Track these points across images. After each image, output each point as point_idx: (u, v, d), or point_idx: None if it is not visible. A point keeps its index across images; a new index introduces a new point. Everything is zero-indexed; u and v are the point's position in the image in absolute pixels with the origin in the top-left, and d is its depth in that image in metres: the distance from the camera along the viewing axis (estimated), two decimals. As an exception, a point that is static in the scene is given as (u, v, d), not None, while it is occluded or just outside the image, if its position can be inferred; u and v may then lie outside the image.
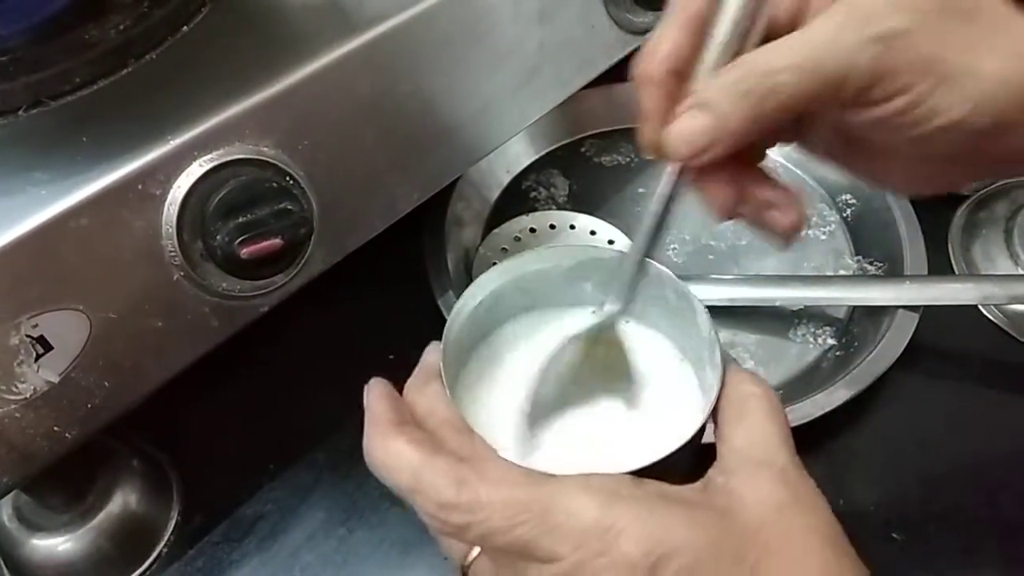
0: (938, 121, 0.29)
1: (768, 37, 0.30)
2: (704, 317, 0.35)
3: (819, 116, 0.33)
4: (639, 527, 0.28)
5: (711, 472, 0.31)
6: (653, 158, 0.31)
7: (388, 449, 0.31)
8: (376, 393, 0.33)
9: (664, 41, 0.30)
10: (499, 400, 0.37)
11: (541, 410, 0.36)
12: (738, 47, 0.29)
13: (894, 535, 0.48)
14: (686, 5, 0.30)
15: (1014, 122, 0.29)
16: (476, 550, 0.31)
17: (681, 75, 0.30)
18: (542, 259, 0.38)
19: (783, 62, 0.28)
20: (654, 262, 0.36)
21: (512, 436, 0.35)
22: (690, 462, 0.33)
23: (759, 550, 0.28)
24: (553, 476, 0.29)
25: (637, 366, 0.37)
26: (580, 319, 0.38)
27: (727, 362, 0.33)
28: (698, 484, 0.31)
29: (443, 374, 0.34)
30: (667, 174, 0.31)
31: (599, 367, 0.37)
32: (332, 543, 0.48)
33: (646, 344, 0.39)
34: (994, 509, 0.49)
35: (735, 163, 0.31)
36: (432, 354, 0.35)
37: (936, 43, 0.28)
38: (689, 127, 0.30)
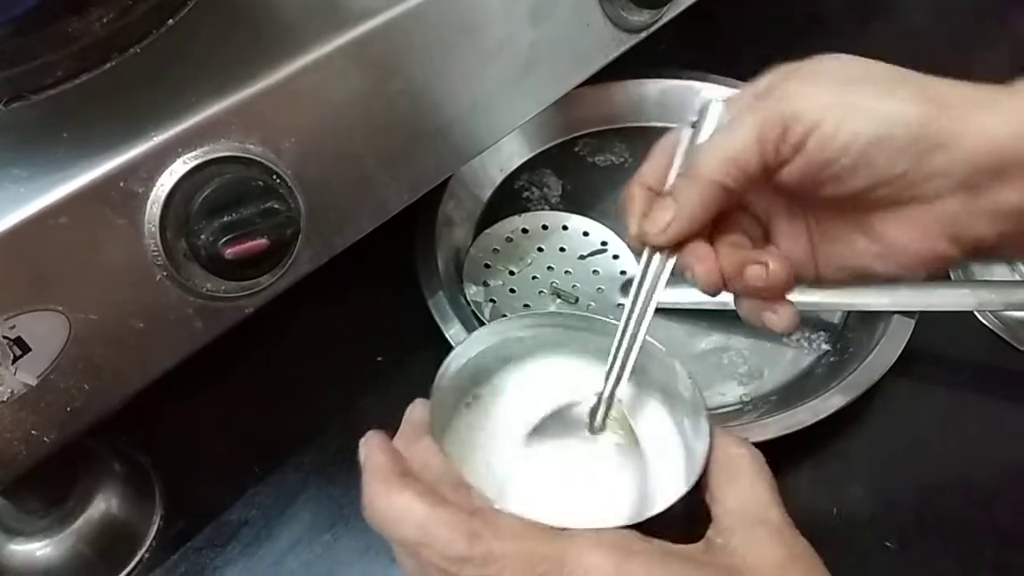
0: (845, 156, 0.32)
1: None
2: (687, 381, 0.36)
3: (778, 206, 0.37)
4: None
5: (709, 533, 0.32)
6: (639, 248, 0.37)
7: (393, 502, 0.30)
8: (376, 445, 0.33)
9: (643, 170, 0.38)
10: (490, 453, 0.37)
11: (531, 470, 0.36)
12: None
13: (888, 543, 0.47)
14: (660, 147, 0.38)
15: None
16: None
17: (654, 191, 0.37)
18: (529, 325, 0.40)
19: (709, 156, 0.34)
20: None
21: (505, 489, 0.35)
22: (678, 521, 0.33)
23: None
24: (565, 530, 0.29)
25: (636, 434, 0.38)
26: (565, 379, 0.40)
27: (713, 423, 0.35)
28: (700, 544, 0.31)
29: (433, 428, 0.33)
30: (655, 259, 0.36)
31: (594, 439, 0.37)
32: (317, 549, 0.47)
33: (636, 411, 0.40)
34: (990, 517, 0.48)
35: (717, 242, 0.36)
36: (418, 411, 0.35)
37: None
38: (660, 214, 0.35)
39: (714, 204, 0.34)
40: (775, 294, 0.36)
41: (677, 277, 0.36)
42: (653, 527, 0.31)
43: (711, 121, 0.36)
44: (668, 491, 0.34)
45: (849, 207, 0.35)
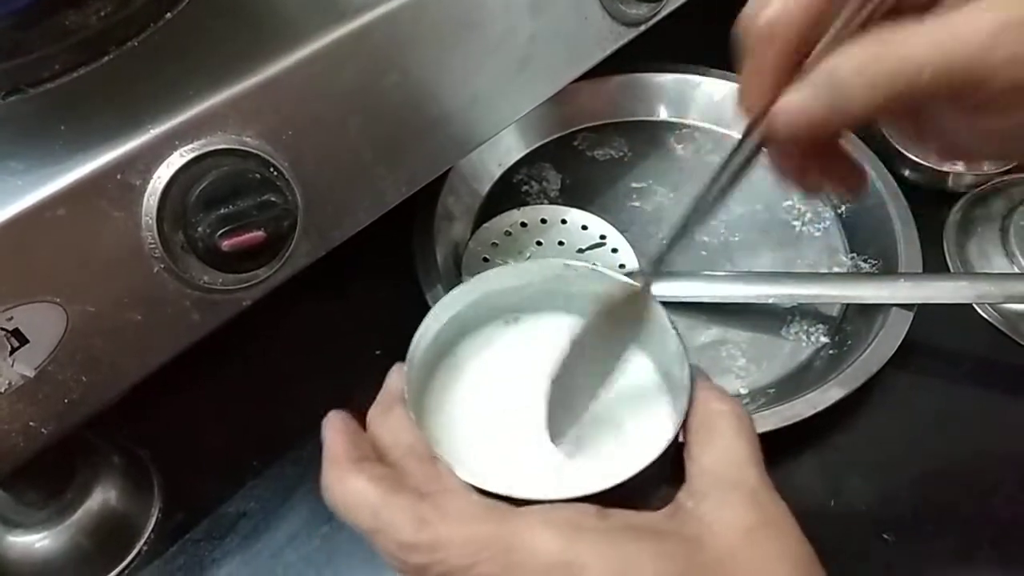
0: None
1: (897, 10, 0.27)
2: (672, 331, 0.35)
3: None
4: (603, 563, 0.27)
5: (680, 495, 0.31)
6: (745, 119, 0.29)
7: (347, 487, 0.30)
8: (333, 428, 0.32)
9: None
10: (465, 421, 0.36)
11: (506, 430, 0.35)
12: (869, 20, 0.27)
13: (885, 535, 0.47)
14: None
15: None
16: None
17: (800, 40, 0.27)
18: (510, 276, 0.38)
19: (925, 53, 0.25)
20: (622, 277, 0.36)
21: (476, 457, 0.34)
22: (657, 484, 0.32)
23: None
24: (515, 509, 0.29)
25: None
26: (546, 332, 0.38)
27: (696, 378, 0.33)
28: (667, 509, 0.30)
29: (407, 398, 0.33)
30: (748, 143, 0.29)
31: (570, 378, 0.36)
32: (315, 542, 0.47)
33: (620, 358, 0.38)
34: (987, 510, 0.48)
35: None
36: (395, 378, 0.35)
37: None
38: (802, 103, 0.27)
39: (893, 109, 0.27)
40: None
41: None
42: (628, 490, 0.30)
43: None
44: (646, 449, 0.32)
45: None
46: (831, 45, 0.27)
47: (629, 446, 0.35)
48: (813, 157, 0.31)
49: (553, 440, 0.35)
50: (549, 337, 0.37)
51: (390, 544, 0.29)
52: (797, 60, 0.28)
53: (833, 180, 0.33)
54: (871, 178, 0.59)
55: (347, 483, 0.30)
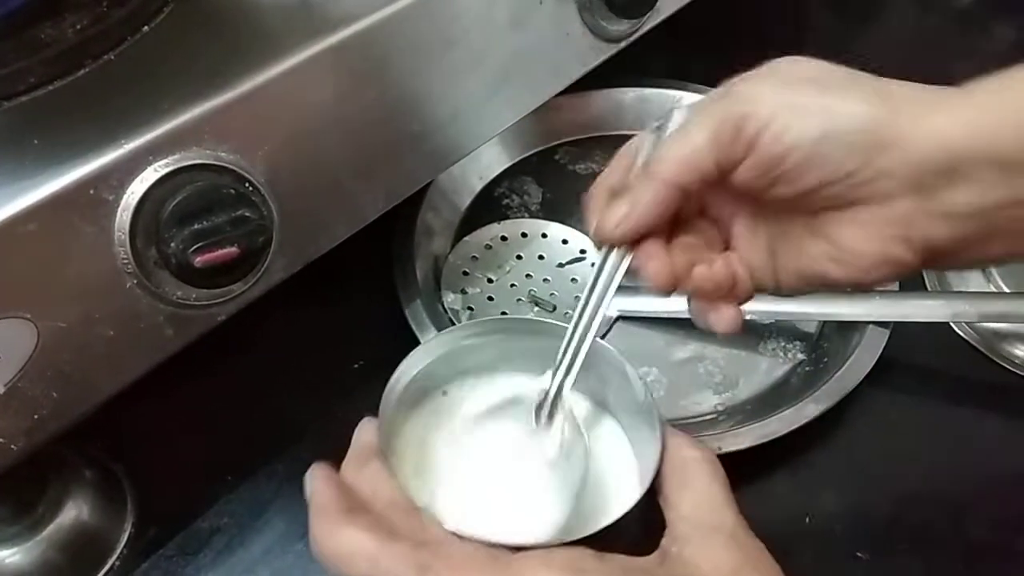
0: (795, 152, 0.32)
1: None
2: (639, 385, 0.37)
3: (729, 206, 0.37)
4: None
5: (664, 542, 0.32)
6: (600, 246, 0.36)
7: (340, 538, 0.30)
8: (320, 479, 0.32)
9: (604, 176, 0.38)
10: (441, 469, 0.37)
11: (482, 483, 0.36)
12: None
13: (859, 554, 0.47)
14: (622, 153, 0.38)
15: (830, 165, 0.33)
16: None
17: (615, 192, 0.36)
18: (475, 331, 0.40)
19: (665, 157, 0.34)
20: (553, 322, 0.38)
21: (458, 506, 0.35)
22: (635, 527, 0.33)
23: None
24: (515, 554, 0.29)
25: (582, 435, 0.37)
26: (518, 383, 0.39)
27: (664, 427, 0.35)
28: (654, 557, 0.31)
29: (382, 450, 0.33)
30: (611, 257, 0.36)
31: (543, 438, 0.37)
32: (290, 558, 0.47)
33: (585, 414, 0.40)
34: (961, 529, 0.49)
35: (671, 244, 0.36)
36: (366, 432, 0.35)
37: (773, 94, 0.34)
38: (615, 209, 0.35)
39: (669, 202, 0.34)
40: (722, 296, 0.36)
41: (632, 277, 0.36)
42: (609, 536, 0.31)
43: (674, 124, 0.36)
44: (622, 498, 0.34)
45: (803, 209, 0.35)
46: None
47: (604, 496, 0.36)
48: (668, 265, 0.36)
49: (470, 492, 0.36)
50: (523, 392, 0.38)
51: None
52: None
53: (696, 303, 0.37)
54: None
55: (341, 534, 0.30)
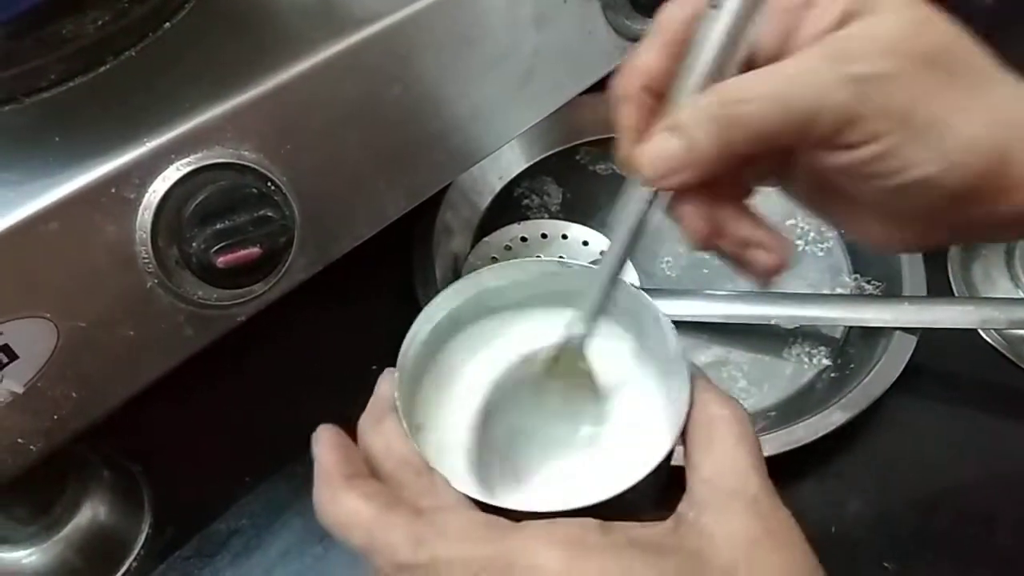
0: (908, 176, 0.28)
1: (750, 67, 0.29)
2: (672, 335, 0.33)
3: (797, 158, 0.31)
4: None
5: (681, 506, 0.29)
6: (626, 175, 0.30)
7: (340, 506, 0.29)
8: (325, 443, 0.31)
9: (640, 59, 0.30)
10: (459, 425, 0.35)
11: (501, 435, 0.35)
12: (718, 73, 0.28)
13: (886, 564, 0.47)
14: (665, 27, 0.30)
15: (982, 188, 0.28)
16: None
17: (656, 94, 0.30)
18: (500, 276, 0.37)
19: (753, 92, 0.28)
20: (621, 278, 0.34)
21: (472, 465, 0.34)
22: (659, 489, 0.32)
23: None
24: (515, 525, 0.28)
25: (604, 386, 0.35)
26: (542, 330, 0.36)
27: (695, 381, 0.31)
28: (668, 523, 0.29)
29: (399, 406, 0.32)
30: (639, 192, 0.30)
31: (563, 388, 0.35)
32: (307, 561, 0.47)
33: (612, 363, 0.36)
34: (989, 538, 0.48)
35: (715, 194, 0.30)
36: (386, 385, 0.33)
37: (914, 95, 0.27)
38: (659, 148, 0.29)
39: (740, 154, 0.28)
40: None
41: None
42: (629, 498, 0.29)
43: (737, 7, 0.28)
44: (645, 457, 0.31)
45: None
46: (683, 102, 0.29)
47: (627, 455, 0.34)
48: (707, 215, 0.30)
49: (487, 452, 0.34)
50: (546, 337, 0.36)
51: (386, 565, 0.28)
52: (656, 117, 0.30)
53: (733, 243, 0.31)
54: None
55: (340, 501, 0.29)
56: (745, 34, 0.28)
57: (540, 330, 0.37)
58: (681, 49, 0.29)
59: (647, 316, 0.35)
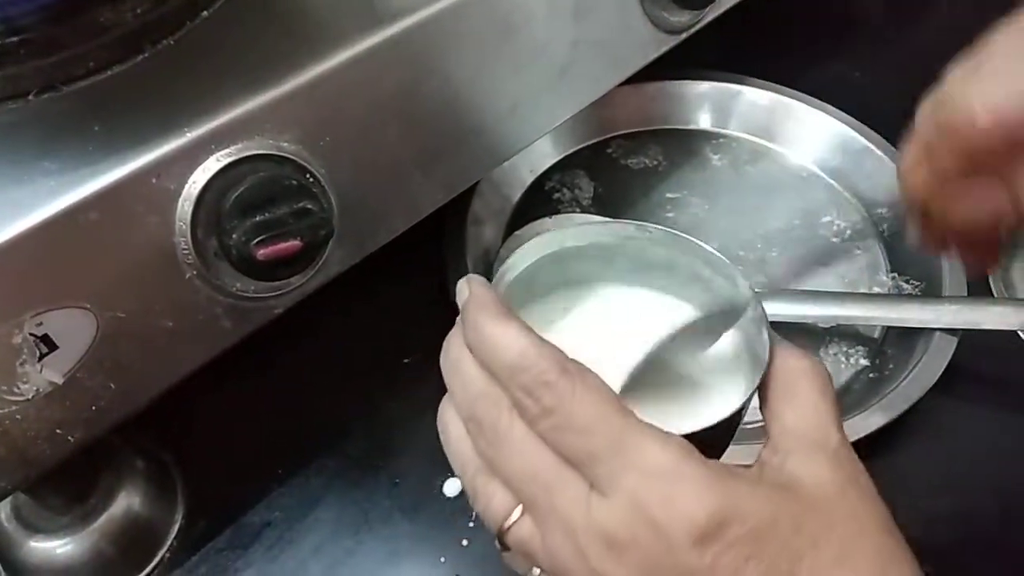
0: None
1: None
2: (747, 291, 0.34)
3: None
4: (706, 487, 0.27)
5: (764, 453, 0.30)
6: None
7: (497, 328, 0.29)
8: (481, 282, 0.32)
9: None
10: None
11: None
12: None
13: (925, 568, 0.46)
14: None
15: None
16: (518, 511, 0.29)
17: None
18: (582, 236, 0.37)
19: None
20: (696, 240, 0.35)
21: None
22: (729, 438, 0.32)
23: (819, 525, 0.28)
24: (641, 421, 0.28)
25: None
26: (624, 294, 0.38)
27: (774, 338, 0.32)
28: (754, 467, 0.30)
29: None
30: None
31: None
32: (340, 554, 0.46)
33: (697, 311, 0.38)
34: (1031, 544, 0.47)
35: None
36: (479, 286, 0.32)
37: None
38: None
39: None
40: None
41: None
42: (713, 441, 0.30)
43: None
44: (723, 402, 0.32)
45: None
46: None
47: (706, 402, 0.35)
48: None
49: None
50: (621, 302, 0.37)
51: (529, 378, 0.28)
52: None
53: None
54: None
55: (500, 323, 0.29)
56: None
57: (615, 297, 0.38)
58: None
59: (724, 276, 0.36)
